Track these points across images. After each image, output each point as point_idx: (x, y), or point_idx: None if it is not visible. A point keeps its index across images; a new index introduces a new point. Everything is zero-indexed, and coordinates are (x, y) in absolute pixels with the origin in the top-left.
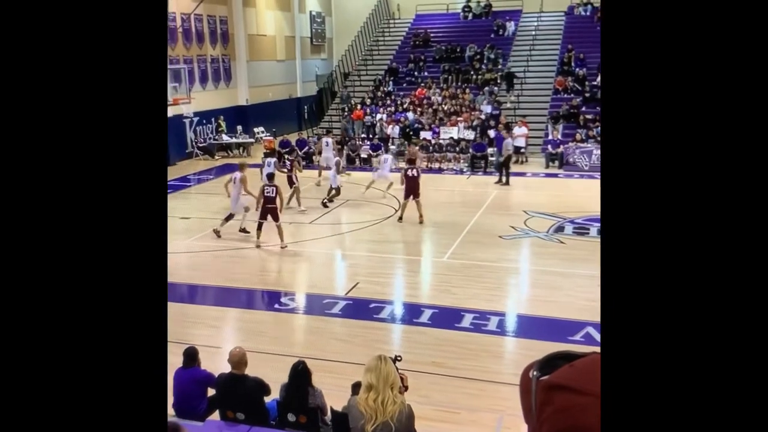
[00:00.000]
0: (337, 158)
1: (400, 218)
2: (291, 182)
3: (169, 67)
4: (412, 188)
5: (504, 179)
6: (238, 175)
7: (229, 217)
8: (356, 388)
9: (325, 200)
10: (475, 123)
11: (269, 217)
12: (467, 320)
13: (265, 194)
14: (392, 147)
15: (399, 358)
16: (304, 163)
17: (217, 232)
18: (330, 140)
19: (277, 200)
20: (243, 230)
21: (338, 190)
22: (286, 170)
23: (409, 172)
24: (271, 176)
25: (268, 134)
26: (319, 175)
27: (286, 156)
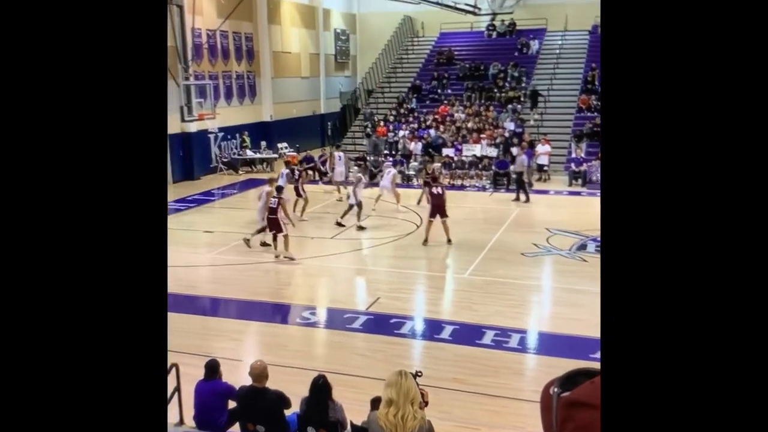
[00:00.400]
0: (359, 175)
1: (426, 241)
2: (298, 193)
3: (194, 82)
4: (438, 207)
5: (522, 197)
6: (266, 188)
7: (262, 229)
8: (376, 403)
9: (340, 220)
10: (498, 140)
11: (273, 227)
12: (488, 337)
13: (269, 205)
14: (414, 163)
15: (419, 374)
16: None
17: (247, 241)
18: (341, 154)
19: (280, 212)
20: (263, 243)
21: (360, 205)
22: (293, 181)
23: (435, 190)
24: (279, 189)
25: (291, 150)
26: (338, 191)
27: (296, 168)
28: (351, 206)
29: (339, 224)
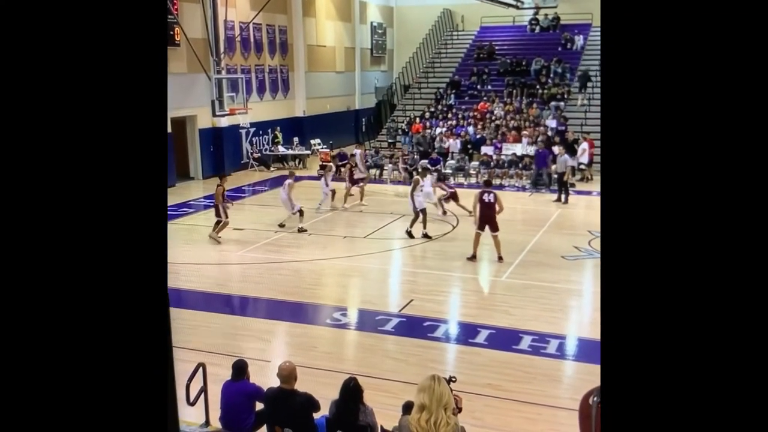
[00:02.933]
0: (417, 177)
1: (473, 257)
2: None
3: (226, 76)
4: (488, 218)
5: (562, 197)
6: (288, 180)
7: (301, 212)
8: (408, 408)
9: (410, 230)
10: (540, 139)
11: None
12: (525, 342)
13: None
14: (451, 162)
15: (453, 379)
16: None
17: (302, 230)
18: (359, 151)
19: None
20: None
21: (424, 212)
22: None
23: (485, 197)
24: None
25: (324, 146)
26: (362, 192)
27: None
28: (420, 211)
29: (409, 234)
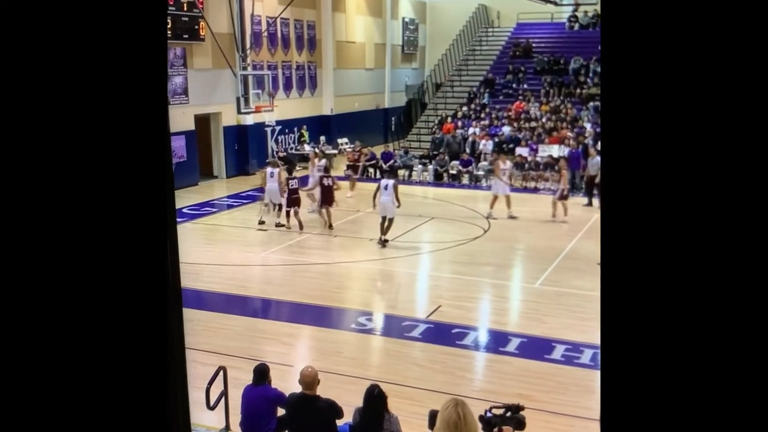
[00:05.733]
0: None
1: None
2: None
3: (252, 72)
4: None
5: (595, 202)
6: (278, 170)
7: (280, 206)
8: (433, 418)
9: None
10: (579, 141)
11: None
12: (558, 352)
13: (290, 186)
14: (484, 163)
15: (519, 410)
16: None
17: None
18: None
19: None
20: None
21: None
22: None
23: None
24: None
25: (352, 146)
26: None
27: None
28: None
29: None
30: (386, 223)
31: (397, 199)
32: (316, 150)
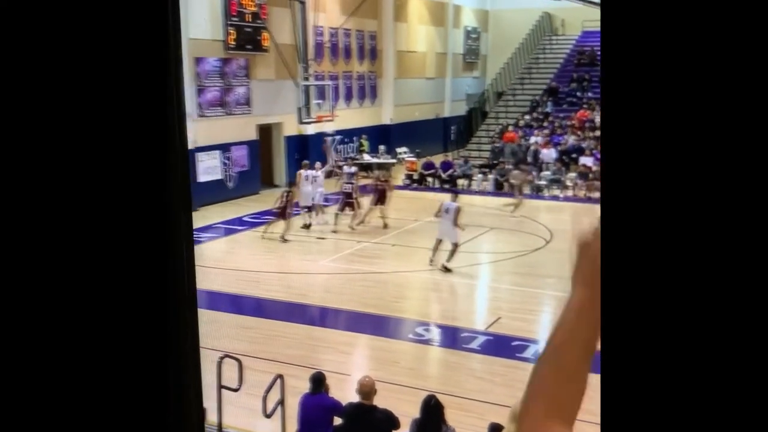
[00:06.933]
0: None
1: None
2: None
3: (314, 83)
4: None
5: None
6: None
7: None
8: (494, 430)
9: None
10: None
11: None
12: None
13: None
14: (546, 173)
15: None
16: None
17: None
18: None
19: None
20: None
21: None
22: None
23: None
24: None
25: (411, 155)
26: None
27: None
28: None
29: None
30: (445, 247)
31: (458, 224)
32: (342, 162)
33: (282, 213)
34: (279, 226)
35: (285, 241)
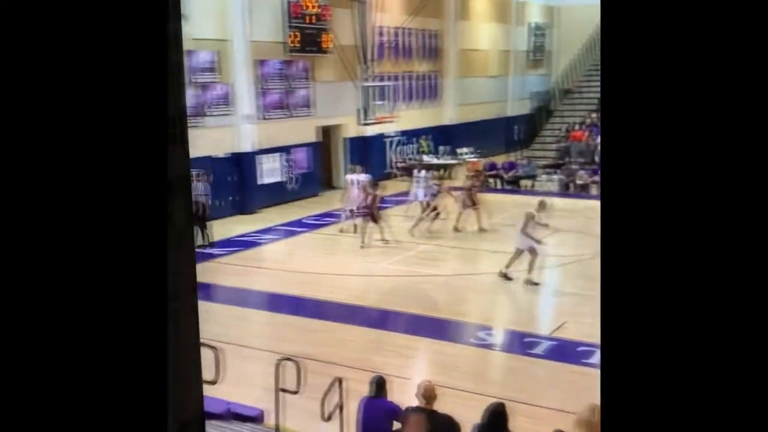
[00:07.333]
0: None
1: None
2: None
3: (375, 84)
4: None
5: None
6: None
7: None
8: None
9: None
10: None
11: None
12: None
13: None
14: None
15: None
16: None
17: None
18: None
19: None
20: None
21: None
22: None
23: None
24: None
25: (474, 155)
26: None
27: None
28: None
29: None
30: (526, 258)
31: (526, 233)
32: (402, 163)
33: (372, 216)
34: (374, 230)
35: (386, 242)
